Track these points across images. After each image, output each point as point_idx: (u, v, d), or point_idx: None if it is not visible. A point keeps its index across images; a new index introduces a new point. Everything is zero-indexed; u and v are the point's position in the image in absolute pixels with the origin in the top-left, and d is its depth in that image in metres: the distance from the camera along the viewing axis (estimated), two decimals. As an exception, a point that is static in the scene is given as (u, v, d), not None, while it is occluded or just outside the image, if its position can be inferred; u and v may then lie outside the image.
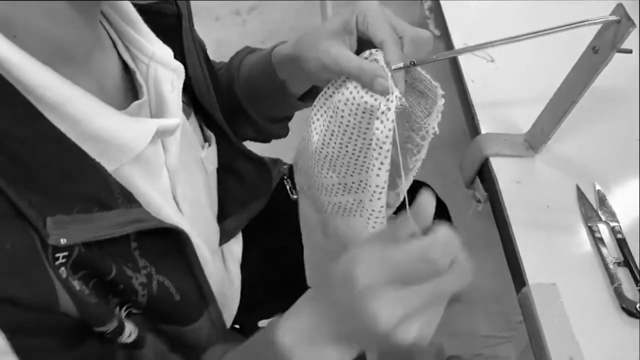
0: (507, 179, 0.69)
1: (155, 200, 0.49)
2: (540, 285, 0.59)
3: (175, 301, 0.48)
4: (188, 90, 0.59)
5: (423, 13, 1.34)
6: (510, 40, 0.55)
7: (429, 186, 0.88)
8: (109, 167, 0.43)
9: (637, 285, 0.60)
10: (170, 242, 0.47)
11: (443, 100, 0.58)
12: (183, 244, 0.48)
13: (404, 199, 0.53)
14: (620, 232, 0.64)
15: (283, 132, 0.78)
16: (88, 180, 0.40)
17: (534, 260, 0.62)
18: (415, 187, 0.57)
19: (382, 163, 0.57)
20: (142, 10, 0.52)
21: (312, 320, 0.44)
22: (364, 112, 0.57)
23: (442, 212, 0.92)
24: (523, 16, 0.89)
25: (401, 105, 0.56)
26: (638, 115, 0.76)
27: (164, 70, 0.51)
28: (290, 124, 0.79)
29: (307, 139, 0.67)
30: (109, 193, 0.42)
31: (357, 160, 0.62)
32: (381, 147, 0.56)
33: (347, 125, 0.59)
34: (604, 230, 0.65)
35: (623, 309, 0.58)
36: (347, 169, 0.64)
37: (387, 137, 0.55)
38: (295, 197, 0.87)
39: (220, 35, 2.07)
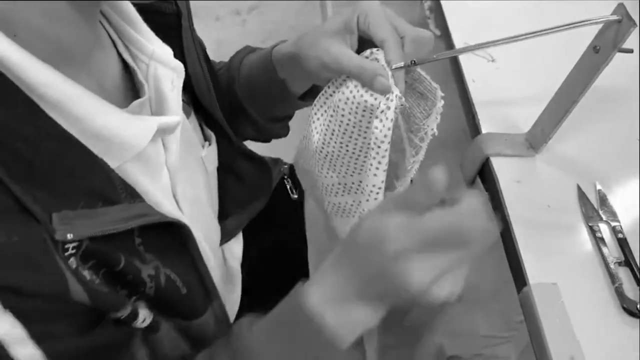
0: (507, 179, 0.69)
1: (156, 198, 0.49)
2: (541, 285, 0.59)
3: (182, 294, 0.48)
4: (188, 89, 0.59)
5: (423, 13, 1.34)
6: (511, 40, 0.55)
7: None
8: (112, 164, 0.43)
9: (638, 285, 0.60)
10: (173, 237, 0.47)
11: (442, 102, 0.58)
12: (186, 238, 0.48)
13: None
14: (621, 232, 0.64)
15: (283, 132, 0.78)
16: (91, 176, 0.41)
17: (535, 260, 0.62)
18: None
19: (379, 163, 0.57)
20: (141, 9, 0.52)
21: (340, 281, 0.45)
22: (364, 111, 0.57)
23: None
24: (523, 16, 0.89)
25: (401, 105, 0.56)
26: (639, 115, 0.76)
27: (164, 69, 0.51)
28: (291, 124, 0.79)
29: (308, 138, 0.67)
30: (112, 188, 0.42)
31: (357, 160, 0.62)
32: (379, 147, 0.56)
33: (347, 125, 0.59)
34: (604, 230, 0.65)
35: (624, 308, 0.58)
36: (347, 169, 0.64)
37: (385, 136, 0.55)
38: (295, 196, 0.87)
39: (220, 35, 2.07)
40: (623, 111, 0.77)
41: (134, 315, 0.44)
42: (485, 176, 0.72)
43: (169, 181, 0.52)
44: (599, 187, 0.68)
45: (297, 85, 0.68)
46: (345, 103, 0.58)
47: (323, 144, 0.64)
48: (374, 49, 0.58)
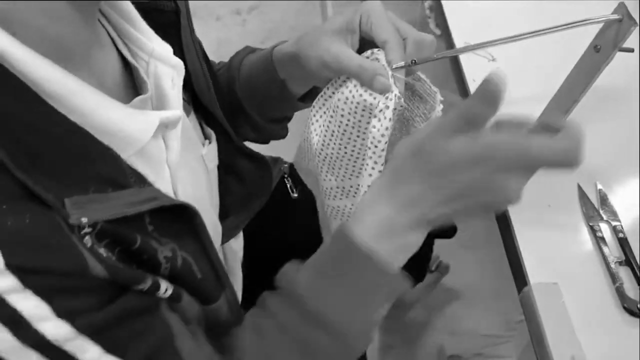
0: (508, 178, 0.69)
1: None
2: (542, 284, 0.59)
3: (198, 279, 0.48)
4: (188, 87, 0.59)
5: (424, 12, 1.34)
6: (511, 39, 0.55)
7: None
8: None
9: (638, 285, 0.60)
10: (183, 222, 0.47)
11: (442, 106, 0.58)
12: (196, 224, 0.48)
13: None
14: (621, 232, 0.64)
15: (283, 133, 0.78)
16: (100, 162, 0.41)
17: (536, 260, 0.62)
18: None
19: (375, 162, 0.57)
20: (140, 7, 0.52)
21: (390, 210, 0.48)
22: (363, 111, 0.57)
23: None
24: (523, 16, 0.89)
25: (401, 107, 0.56)
26: (639, 115, 0.76)
27: (163, 66, 0.51)
28: (290, 125, 0.79)
29: (308, 140, 0.67)
30: (121, 174, 0.42)
31: (355, 162, 0.62)
32: (376, 146, 0.56)
33: (347, 125, 0.59)
34: (605, 230, 0.65)
35: (625, 308, 0.58)
36: (346, 172, 0.64)
37: (383, 135, 0.55)
38: (295, 195, 0.87)
39: (221, 34, 2.07)
40: (623, 110, 0.77)
41: (156, 286, 0.44)
42: (485, 176, 0.72)
43: (169, 179, 0.52)
44: (599, 186, 0.68)
45: (297, 86, 0.68)
46: (345, 103, 0.58)
47: (322, 145, 0.64)
48: (375, 50, 0.58)
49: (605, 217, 0.66)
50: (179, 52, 0.56)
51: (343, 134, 0.60)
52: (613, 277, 0.60)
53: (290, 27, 2.10)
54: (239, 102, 0.70)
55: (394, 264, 0.49)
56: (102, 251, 0.39)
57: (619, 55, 0.57)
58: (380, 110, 0.55)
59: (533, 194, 0.68)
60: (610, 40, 0.56)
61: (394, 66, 0.55)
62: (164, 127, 0.49)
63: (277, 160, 0.88)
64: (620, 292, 0.59)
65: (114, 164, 0.42)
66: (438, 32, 0.96)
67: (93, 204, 0.39)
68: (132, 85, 0.52)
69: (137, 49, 0.51)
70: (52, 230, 0.36)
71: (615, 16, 0.55)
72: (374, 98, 0.56)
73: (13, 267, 0.34)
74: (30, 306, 0.35)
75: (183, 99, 0.57)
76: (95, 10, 0.45)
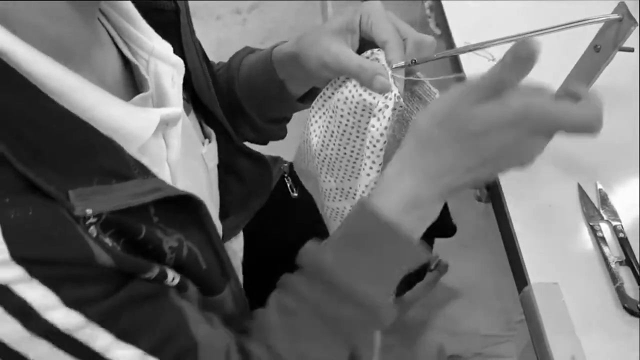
0: (508, 178, 0.69)
1: None
2: (542, 284, 0.59)
3: (203, 269, 0.48)
4: (187, 86, 0.59)
5: (424, 12, 1.34)
6: (511, 39, 0.55)
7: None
8: None
9: (638, 285, 0.60)
10: (188, 213, 0.47)
11: None
12: (201, 214, 0.48)
13: None
14: (622, 231, 0.64)
15: (281, 134, 0.78)
16: (102, 155, 0.41)
17: (536, 260, 0.62)
18: None
19: (373, 162, 0.57)
20: (139, 6, 0.52)
21: (416, 184, 0.49)
22: (363, 110, 0.57)
23: (442, 211, 0.92)
24: (523, 16, 0.89)
25: (401, 107, 0.56)
26: (639, 114, 0.76)
27: (164, 65, 0.51)
28: (288, 126, 0.79)
29: (307, 141, 0.67)
30: (124, 165, 0.42)
31: (354, 163, 0.62)
32: (375, 146, 0.56)
33: (347, 125, 0.59)
34: (605, 230, 0.65)
35: (625, 308, 0.58)
36: (345, 173, 0.64)
37: (382, 135, 0.55)
38: (295, 194, 0.87)
39: (221, 34, 2.07)
40: (623, 110, 0.77)
41: (163, 275, 0.44)
42: (486, 175, 0.72)
43: (170, 177, 0.52)
44: (599, 186, 0.68)
45: (296, 86, 0.68)
46: (344, 103, 0.58)
47: (322, 146, 0.63)
48: (375, 50, 0.58)
49: (605, 217, 0.66)
50: (178, 50, 0.56)
51: (342, 134, 0.60)
52: (613, 277, 0.60)
53: (291, 27, 2.10)
54: (238, 103, 0.70)
55: (415, 234, 0.50)
56: (108, 241, 0.39)
57: (619, 55, 0.57)
58: (380, 110, 0.55)
59: (533, 194, 0.68)
60: (610, 40, 0.56)
61: (393, 66, 0.55)
62: (165, 125, 0.49)
63: (276, 160, 0.88)
64: (620, 292, 0.59)
65: (116, 155, 0.42)
66: (438, 32, 0.96)
67: (97, 196, 0.39)
68: (132, 83, 0.52)
69: (137, 48, 0.51)
70: (57, 221, 0.36)
71: (616, 16, 0.55)
72: (374, 98, 0.56)
73: (19, 258, 0.34)
74: (38, 296, 0.35)
75: (183, 97, 0.57)
76: (95, 10, 0.45)
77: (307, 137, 0.66)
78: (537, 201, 0.67)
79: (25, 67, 0.37)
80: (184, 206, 0.46)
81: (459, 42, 0.86)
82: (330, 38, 0.58)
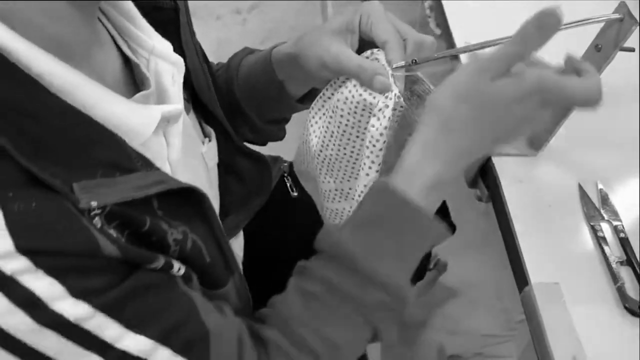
0: (509, 178, 0.69)
1: None
2: (543, 284, 0.59)
3: (206, 262, 0.48)
4: (187, 85, 0.59)
5: (424, 12, 1.34)
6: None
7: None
8: None
9: (639, 285, 0.59)
10: (191, 205, 0.47)
11: None
12: (204, 208, 0.48)
13: None
14: (622, 231, 0.64)
15: (280, 135, 0.78)
16: (106, 148, 0.41)
17: (537, 259, 0.62)
18: None
19: (372, 162, 0.57)
20: (139, 5, 0.52)
21: (439, 167, 0.50)
22: (363, 110, 0.57)
23: (442, 210, 0.92)
24: (524, 15, 0.88)
25: (402, 107, 0.56)
26: (639, 114, 0.76)
27: (164, 64, 0.51)
28: (287, 126, 0.79)
29: (307, 142, 0.66)
30: (127, 158, 0.42)
31: (354, 164, 0.62)
32: (374, 145, 0.56)
33: (347, 125, 0.59)
34: (606, 229, 0.65)
35: (626, 308, 0.58)
36: (344, 174, 0.63)
37: (381, 134, 0.55)
38: (295, 194, 0.87)
39: (221, 34, 2.07)
40: (624, 110, 0.77)
41: (169, 265, 0.44)
42: (486, 175, 0.72)
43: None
44: (600, 186, 0.68)
45: (295, 87, 0.68)
46: (344, 103, 0.58)
47: (322, 147, 0.63)
48: (375, 50, 0.58)
49: (606, 217, 0.65)
50: (178, 49, 0.56)
51: (342, 135, 0.60)
52: (614, 277, 0.60)
53: (291, 27, 2.10)
54: (237, 103, 0.70)
55: (433, 212, 0.52)
56: (112, 232, 0.39)
57: (620, 54, 0.57)
58: (380, 110, 0.55)
59: (534, 194, 0.68)
60: (611, 39, 0.56)
61: (394, 66, 0.55)
62: (166, 122, 0.49)
63: (276, 160, 0.88)
64: (621, 292, 0.59)
65: (119, 148, 0.42)
66: (438, 32, 0.96)
67: (101, 188, 0.39)
68: (132, 82, 0.52)
69: (138, 47, 0.51)
70: (61, 213, 0.36)
71: (616, 15, 0.55)
72: (374, 98, 0.56)
73: (24, 250, 0.34)
74: (44, 286, 0.35)
75: (183, 97, 0.57)
76: (95, 10, 0.45)
77: (306, 138, 0.66)
78: (537, 201, 0.67)
79: (26, 63, 0.37)
80: (187, 199, 0.46)
81: (459, 42, 0.86)
82: (329, 38, 0.58)
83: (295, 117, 0.76)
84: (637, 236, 0.64)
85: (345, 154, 0.61)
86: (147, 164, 0.44)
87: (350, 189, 0.65)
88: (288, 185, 0.88)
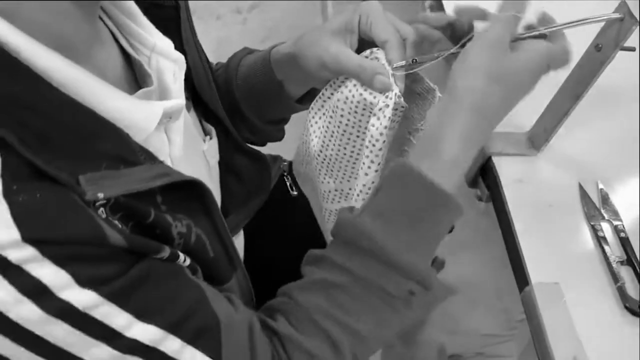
0: (509, 178, 0.69)
1: None
2: (543, 284, 0.59)
3: (210, 257, 0.48)
4: (188, 83, 0.59)
5: (424, 12, 1.33)
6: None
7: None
8: None
9: (639, 284, 0.60)
10: (194, 199, 0.47)
11: None
12: (207, 202, 0.48)
13: None
14: (623, 231, 0.64)
15: (279, 135, 0.78)
16: (109, 141, 0.41)
17: (537, 259, 0.62)
18: None
19: (372, 162, 0.57)
20: (139, 2, 0.52)
21: (469, 154, 0.52)
22: (363, 109, 0.57)
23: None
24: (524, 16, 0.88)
25: (402, 107, 0.56)
26: (639, 114, 0.76)
27: (165, 61, 0.51)
28: (287, 127, 0.79)
29: (306, 142, 0.66)
30: (131, 151, 0.42)
31: (354, 164, 0.61)
32: (374, 145, 0.56)
33: (347, 125, 0.59)
34: (606, 229, 0.64)
35: (626, 307, 0.58)
36: (344, 174, 0.63)
37: (381, 134, 0.55)
38: (295, 193, 0.87)
39: (221, 34, 2.07)
40: (624, 109, 0.77)
41: (175, 256, 0.44)
42: (487, 175, 0.72)
43: None
44: (600, 186, 0.68)
45: (294, 87, 0.68)
46: (345, 103, 0.58)
47: (322, 147, 0.63)
48: (374, 49, 0.58)
49: (606, 217, 0.65)
50: (179, 46, 0.56)
51: (343, 135, 0.60)
52: (614, 277, 0.60)
53: (291, 26, 2.10)
54: (236, 103, 0.70)
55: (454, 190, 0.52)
56: (117, 223, 0.40)
57: (620, 54, 0.57)
58: (380, 109, 0.55)
59: (534, 193, 0.68)
60: (611, 39, 0.56)
61: (394, 65, 0.55)
62: (167, 118, 0.49)
63: (276, 159, 0.88)
64: (621, 292, 0.59)
65: (123, 142, 0.42)
66: (439, 31, 0.96)
67: (106, 180, 0.39)
68: (133, 80, 0.52)
69: (139, 44, 0.51)
70: (67, 203, 0.36)
71: (617, 15, 0.55)
72: (374, 97, 0.56)
73: (30, 239, 0.34)
74: (51, 274, 0.35)
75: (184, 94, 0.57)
76: (97, 8, 0.45)
77: (306, 139, 0.66)
78: (537, 201, 0.67)
79: (29, 59, 0.37)
80: (190, 193, 0.46)
81: (459, 42, 0.85)
82: (329, 38, 0.58)
83: (294, 117, 0.76)
84: (637, 236, 0.64)
85: (345, 154, 0.61)
86: (150, 158, 0.44)
87: (350, 189, 0.65)
88: (288, 184, 0.88)
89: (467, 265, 1.06)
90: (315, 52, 0.58)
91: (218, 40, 2.01)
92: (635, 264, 0.61)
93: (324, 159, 0.64)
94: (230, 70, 0.70)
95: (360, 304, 0.49)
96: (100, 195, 0.38)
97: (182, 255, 0.45)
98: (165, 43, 0.52)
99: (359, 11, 0.58)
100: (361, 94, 0.56)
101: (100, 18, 0.50)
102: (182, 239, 0.45)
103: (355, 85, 0.57)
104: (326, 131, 0.62)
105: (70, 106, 0.39)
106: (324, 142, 0.63)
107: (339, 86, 0.60)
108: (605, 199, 0.67)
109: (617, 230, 0.64)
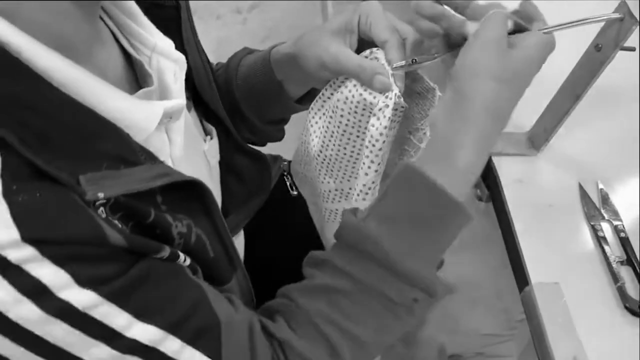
0: (509, 178, 0.69)
1: None
2: (543, 284, 0.59)
3: (210, 257, 0.48)
4: (189, 83, 0.59)
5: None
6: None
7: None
8: None
9: (639, 284, 0.60)
10: (194, 199, 0.47)
11: None
12: (207, 202, 0.48)
13: None
14: (623, 231, 0.64)
15: (279, 135, 0.78)
16: (109, 141, 0.41)
17: (537, 259, 0.62)
18: None
19: (372, 162, 0.57)
20: (140, 2, 0.52)
21: (482, 160, 0.51)
22: (363, 109, 0.57)
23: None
24: (525, 14, 0.88)
25: (403, 107, 0.56)
26: (639, 114, 0.76)
27: (166, 61, 0.51)
28: (287, 127, 0.79)
29: (306, 143, 0.66)
30: (131, 151, 0.42)
31: (354, 164, 0.61)
32: (374, 145, 0.56)
33: (347, 125, 0.59)
34: (606, 229, 0.64)
35: (626, 307, 0.58)
36: (344, 174, 0.63)
37: (381, 134, 0.55)
38: (295, 193, 0.87)
39: (221, 33, 2.07)
40: (624, 109, 0.77)
41: (175, 255, 0.44)
42: (487, 175, 0.72)
43: None
44: (600, 186, 0.68)
45: (294, 87, 0.68)
46: (344, 103, 0.58)
47: (322, 147, 0.63)
48: (374, 49, 0.58)
49: (606, 217, 0.65)
50: (179, 46, 0.56)
51: (343, 135, 0.60)
52: (614, 277, 0.60)
53: (291, 26, 2.10)
54: (236, 103, 0.70)
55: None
56: (117, 223, 0.39)
57: (620, 54, 0.57)
58: (380, 109, 0.55)
59: (534, 193, 0.68)
60: (611, 39, 0.56)
61: (394, 65, 0.55)
62: (168, 118, 0.49)
63: (276, 159, 0.88)
64: (621, 292, 0.59)
65: (123, 142, 0.42)
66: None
67: (107, 180, 0.39)
68: (134, 80, 0.52)
69: (139, 44, 0.51)
70: (67, 203, 0.36)
71: (617, 15, 0.55)
72: (374, 97, 0.56)
73: (29, 239, 0.34)
74: (51, 274, 0.35)
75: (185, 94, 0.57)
76: (97, 8, 0.45)
77: (306, 139, 0.66)
78: (538, 201, 0.67)
79: (29, 59, 0.37)
80: (190, 193, 0.46)
81: (459, 42, 0.85)
82: (329, 38, 0.58)
83: (294, 117, 0.76)
84: (637, 236, 0.64)
85: (345, 154, 0.61)
86: (151, 158, 0.44)
87: (350, 188, 0.64)
88: (288, 184, 0.88)
89: (467, 265, 1.06)
90: (315, 52, 0.58)
91: (218, 40, 2.01)
92: (635, 264, 0.61)
93: (324, 159, 0.64)
94: (230, 70, 0.70)
95: (362, 310, 0.49)
96: (101, 195, 0.38)
97: (182, 255, 0.45)
98: (166, 43, 0.52)
99: (359, 11, 0.58)
100: (361, 94, 0.56)
101: (101, 18, 0.50)
102: (182, 239, 0.45)
103: (355, 85, 0.57)
104: (326, 131, 0.62)
105: (70, 106, 0.39)
106: (324, 142, 0.63)
107: (339, 86, 0.60)
108: (605, 199, 0.67)
109: (617, 230, 0.64)
